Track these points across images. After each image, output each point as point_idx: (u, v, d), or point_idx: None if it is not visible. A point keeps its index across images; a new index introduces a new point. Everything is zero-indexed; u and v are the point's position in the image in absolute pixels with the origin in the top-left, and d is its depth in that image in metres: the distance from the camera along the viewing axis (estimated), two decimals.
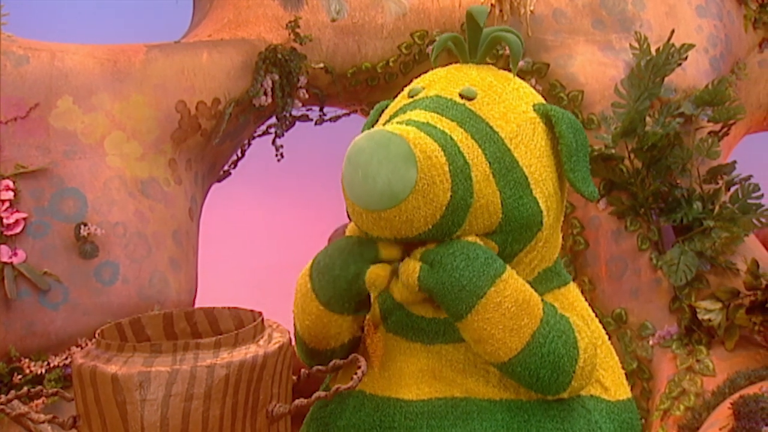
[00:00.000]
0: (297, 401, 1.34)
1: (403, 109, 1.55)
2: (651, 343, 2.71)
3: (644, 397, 2.69)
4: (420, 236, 1.39)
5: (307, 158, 3.82)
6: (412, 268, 1.41)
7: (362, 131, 1.67)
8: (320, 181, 4.57)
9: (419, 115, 1.47)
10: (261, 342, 1.33)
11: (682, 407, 2.53)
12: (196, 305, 2.57)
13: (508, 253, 1.49)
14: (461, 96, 1.53)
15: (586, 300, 1.66)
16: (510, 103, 1.55)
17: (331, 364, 1.51)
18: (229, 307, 1.53)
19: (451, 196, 1.37)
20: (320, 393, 1.35)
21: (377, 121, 1.68)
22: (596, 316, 1.65)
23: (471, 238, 1.43)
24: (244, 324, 1.48)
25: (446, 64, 1.67)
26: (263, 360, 1.28)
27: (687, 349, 2.65)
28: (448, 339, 1.50)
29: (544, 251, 1.57)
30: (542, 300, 1.46)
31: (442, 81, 1.59)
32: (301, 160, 3.30)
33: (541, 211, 1.49)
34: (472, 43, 1.63)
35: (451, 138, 1.42)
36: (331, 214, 4.00)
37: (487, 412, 1.45)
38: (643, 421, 2.58)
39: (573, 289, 1.64)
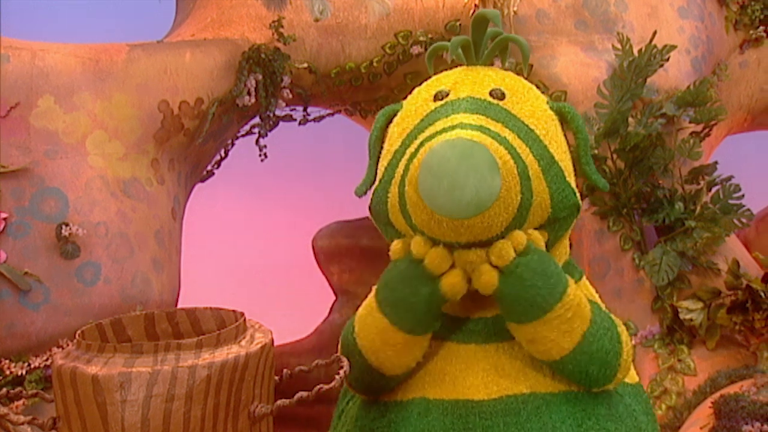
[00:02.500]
0: (279, 402, 1.34)
1: (437, 113, 1.54)
2: (633, 342, 2.72)
3: None
4: (491, 239, 1.41)
5: (291, 158, 3.82)
6: (491, 277, 1.42)
7: (370, 138, 1.70)
8: (304, 182, 4.58)
9: (468, 118, 1.48)
10: (243, 342, 1.33)
11: (663, 406, 2.54)
12: (179, 306, 2.56)
13: (552, 242, 1.54)
14: (492, 96, 1.55)
15: None
16: (533, 101, 1.60)
17: (314, 363, 1.51)
18: (210, 308, 1.53)
19: (520, 198, 1.40)
20: (303, 393, 1.35)
21: (386, 127, 1.68)
22: None
23: (531, 232, 1.46)
24: (226, 324, 1.47)
25: (451, 67, 1.69)
26: (245, 360, 1.28)
27: (669, 349, 2.67)
28: (501, 337, 1.54)
29: (564, 242, 1.63)
30: (588, 300, 1.51)
31: (467, 82, 1.60)
32: (284, 160, 3.29)
33: (578, 200, 1.56)
34: (478, 45, 1.66)
35: (506, 139, 1.44)
36: (315, 214, 4.00)
37: (553, 405, 1.48)
38: None
39: (587, 281, 1.70)
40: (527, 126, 1.53)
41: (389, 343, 1.51)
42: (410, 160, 1.47)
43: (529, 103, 1.58)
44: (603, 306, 1.63)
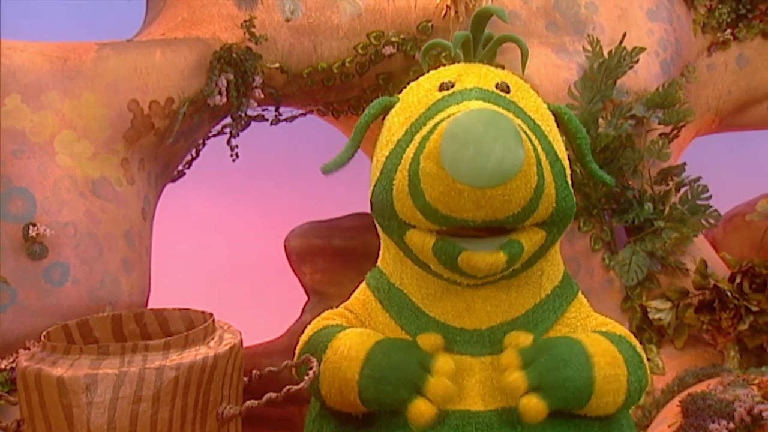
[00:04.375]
0: (248, 402, 1.33)
1: (446, 101, 1.52)
2: None
3: None
4: (507, 219, 1.38)
5: (263, 159, 3.81)
6: (517, 380, 1.42)
7: (359, 122, 1.65)
8: (276, 182, 4.57)
9: (478, 105, 1.46)
10: (211, 343, 1.32)
11: None
12: (149, 307, 2.54)
13: (549, 244, 1.53)
14: (498, 88, 1.54)
15: None
16: (535, 98, 1.60)
17: (284, 364, 1.50)
18: (179, 309, 1.52)
19: (536, 179, 1.37)
20: (271, 394, 1.34)
21: (379, 115, 1.66)
22: None
23: (533, 229, 1.46)
24: (194, 325, 1.46)
25: (441, 65, 1.68)
26: (213, 361, 1.27)
27: None
28: (496, 350, 1.52)
29: (557, 251, 1.64)
30: (605, 336, 1.53)
31: (472, 75, 1.59)
32: (256, 160, 3.27)
33: (575, 204, 1.54)
34: (477, 41, 1.67)
35: (520, 126, 1.43)
36: (287, 214, 3.99)
37: (548, 418, 1.45)
38: None
39: (582, 297, 1.71)
40: (533, 120, 1.53)
41: (350, 404, 1.51)
42: (423, 142, 1.42)
43: (532, 99, 1.59)
44: (599, 318, 1.65)
